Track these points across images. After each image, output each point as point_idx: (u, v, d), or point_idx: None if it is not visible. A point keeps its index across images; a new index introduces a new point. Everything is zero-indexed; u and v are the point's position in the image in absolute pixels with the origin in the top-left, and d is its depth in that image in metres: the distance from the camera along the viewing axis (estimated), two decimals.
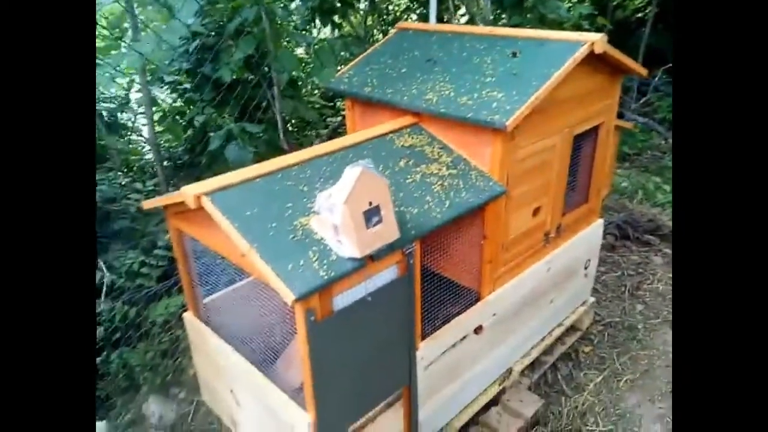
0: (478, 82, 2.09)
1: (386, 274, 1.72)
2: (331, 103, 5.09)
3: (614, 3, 6.60)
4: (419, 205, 1.82)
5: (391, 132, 2.14)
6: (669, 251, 3.76)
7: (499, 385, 2.45)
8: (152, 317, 2.97)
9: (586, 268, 2.85)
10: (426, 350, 1.98)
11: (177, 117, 4.40)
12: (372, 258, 1.58)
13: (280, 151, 2.93)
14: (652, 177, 4.69)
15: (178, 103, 4.39)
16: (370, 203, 1.52)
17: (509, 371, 2.51)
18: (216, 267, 2.22)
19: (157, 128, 4.22)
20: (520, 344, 2.54)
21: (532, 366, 2.69)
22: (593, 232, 2.80)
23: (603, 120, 2.53)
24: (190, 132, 4.19)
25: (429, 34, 2.57)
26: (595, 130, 2.52)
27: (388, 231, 1.59)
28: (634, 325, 3.08)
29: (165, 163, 4.16)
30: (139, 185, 4.12)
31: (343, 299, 1.61)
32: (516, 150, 2.04)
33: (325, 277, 1.49)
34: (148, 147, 4.44)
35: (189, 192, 1.63)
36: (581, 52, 2.05)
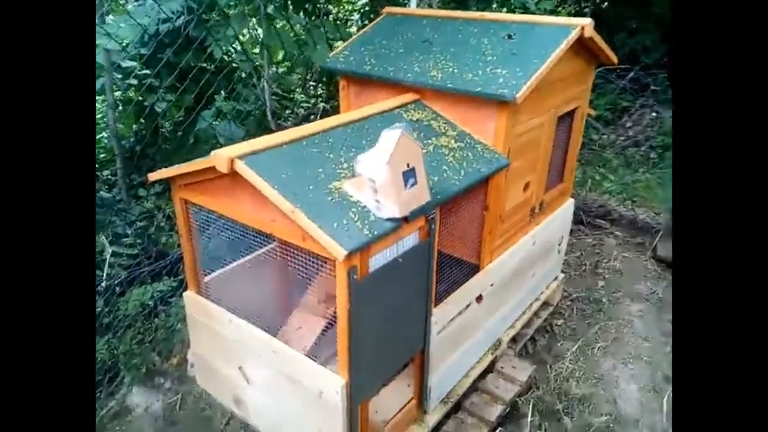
0: (480, 61, 2.20)
1: (410, 238, 1.77)
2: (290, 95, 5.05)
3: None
4: (438, 174, 1.89)
5: (396, 107, 2.20)
6: (620, 233, 4.07)
7: (492, 354, 2.57)
8: (128, 306, 2.82)
9: (559, 244, 3.05)
10: (438, 316, 2.05)
11: (127, 106, 4.19)
12: (406, 219, 1.63)
13: (268, 131, 2.89)
14: (598, 168, 5.05)
15: (131, 93, 4.19)
16: (408, 165, 1.58)
17: (499, 341, 2.63)
18: (219, 243, 2.18)
19: (104, 116, 4.00)
20: (507, 316, 2.67)
21: (514, 339, 2.83)
22: (566, 211, 3.00)
23: (579, 104, 2.73)
24: (141, 122, 4.01)
25: (418, 18, 2.65)
26: (571, 114, 2.71)
27: (421, 193, 1.65)
28: (598, 299, 3.32)
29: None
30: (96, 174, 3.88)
31: (377, 260, 1.64)
32: (516, 125, 2.16)
33: (369, 235, 1.53)
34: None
35: (223, 154, 1.60)
36: (574, 35, 2.21)
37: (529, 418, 2.38)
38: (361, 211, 1.60)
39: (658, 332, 3.02)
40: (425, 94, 2.28)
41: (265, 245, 2.45)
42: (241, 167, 1.60)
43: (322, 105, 4.39)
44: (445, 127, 2.16)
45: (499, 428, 2.30)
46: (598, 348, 2.90)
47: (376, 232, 1.54)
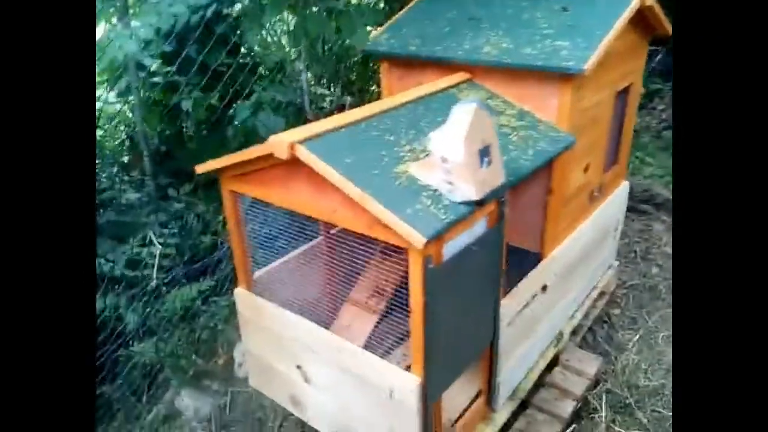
0: (536, 35, 2.07)
1: (479, 224, 1.65)
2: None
3: None
4: (504, 154, 1.76)
5: (448, 87, 2.07)
6: (667, 218, 3.90)
7: (555, 347, 2.43)
8: (171, 308, 2.74)
9: (615, 230, 2.89)
10: (506, 308, 1.92)
11: (153, 106, 4.12)
12: (481, 203, 1.51)
13: (305, 122, 2.78)
14: (636, 152, 4.87)
15: (155, 92, 4.11)
16: (483, 142, 1.45)
17: (561, 333, 2.49)
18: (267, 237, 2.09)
19: (130, 116, 3.93)
20: (568, 306, 2.53)
21: (573, 331, 2.69)
22: (622, 194, 2.85)
23: (633, 80, 2.58)
24: (165, 121, 3.93)
25: None
26: (626, 90, 2.56)
27: (496, 174, 1.53)
28: (654, 286, 3.16)
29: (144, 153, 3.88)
30: (123, 175, 3.81)
31: (450, 248, 1.52)
32: (581, 100, 2.03)
33: (446, 220, 1.41)
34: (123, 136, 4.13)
35: (284, 139, 1.49)
36: (635, 3, 2.07)
37: (603, 413, 2.24)
38: (433, 195, 1.48)
39: None
40: (477, 72, 2.15)
41: (314, 238, 2.36)
42: (303, 152, 1.49)
43: (348, 98, 4.27)
44: (503, 106, 2.03)
45: (573, 425, 2.16)
46: (662, 337, 2.75)
47: (452, 217, 1.42)
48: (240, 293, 2.09)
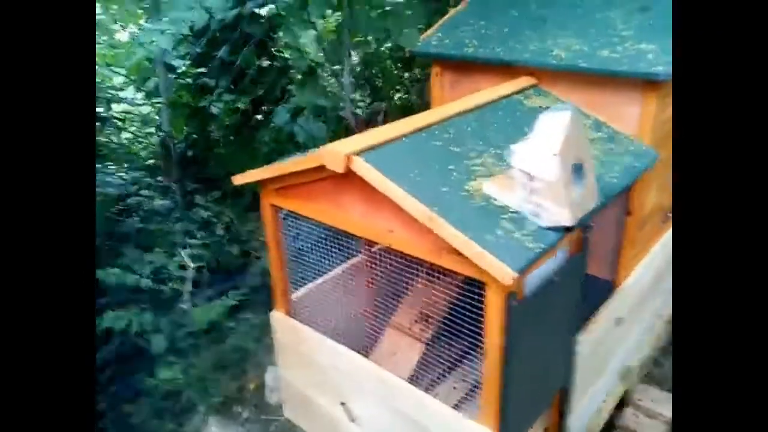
0: (613, 36, 1.83)
1: (560, 252, 1.42)
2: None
3: None
4: None
5: (513, 93, 1.85)
6: None
7: (623, 384, 2.18)
8: (196, 325, 2.56)
9: None
10: (581, 344, 1.68)
11: (182, 108, 3.97)
12: (569, 228, 1.28)
13: (347, 129, 2.59)
14: None
15: (184, 94, 3.97)
16: (577, 158, 1.23)
17: (628, 369, 2.24)
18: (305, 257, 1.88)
19: (157, 118, 3.78)
20: (639, 338, 2.28)
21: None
22: None
23: None
24: (193, 124, 3.77)
25: None
26: None
27: (590, 195, 1.30)
28: None
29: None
30: (149, 180, 3.66)
31: (530, 280, 1.29)
32: (664, 111, 1.79)
33: (535, 250, 1.18)
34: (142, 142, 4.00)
35: (339, 150, 1.28)
36: None
37: None
38: (514, 217, 1.25)
39: None
40: (542, 77, 1.93)
41: (353, 255, 2.16)
42: (361, 165, 1.28)
43: (383, 104, 4.06)
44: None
45: None
46: None
47: (542, 246, 1.19)
48: (277, 317, 1.89)
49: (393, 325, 2.25)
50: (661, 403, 2.10)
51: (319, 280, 2.02)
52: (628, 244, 1.88)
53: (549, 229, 1.24)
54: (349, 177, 1.35)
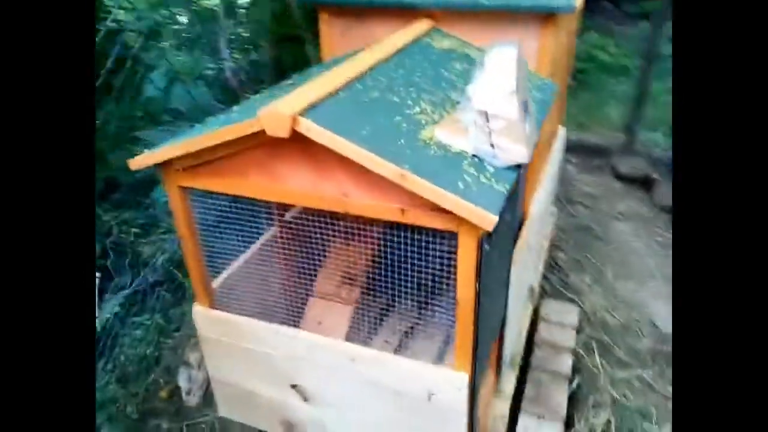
0: None
1: None
2: None
3: None
4: None
5: (418, 37, 1.80)
6: (576, 160, 4.07)
7: (531, 303, 2.38)
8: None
9: (558, 176, 2.90)
10: (511, 275, 1.78)
11: None
12: (520, 166, 1.30)
13: (230, 93, 2.30)
14: None
15: None
16: (524, 94, 1.23)
17: (532, 288, 2.45)
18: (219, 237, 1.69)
19: None
20: (536, 259, 2.49)
21: None
22: (562, 139, 2.84)
23: (577, 22, 2.52)
24: None
25: None
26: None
27: (534, 130, 1.33)
28: (587, 226, 3.27)
29: None
30: None
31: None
32: (559, 44, 1.89)
33: (504, 190, 1.18)
34: None
35: (282, 112, 1.12)
36: None
37: (596, 360, 2.25)
38: (474, 162, 1.23)
39: (658, 246, 3.05)
40: (439, 18, 1.90)
41: (268, 229, 2.00)
42: (310, 127, 1.14)
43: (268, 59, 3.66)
44: (482, 56, 1.81)
45: (576, 376, 2.14)
46: (611, 274, 2.85)
47: (507, 186, 1.20)
48: (200, 312, 1.68)
49: (317, 294, 2.17)
50: (564, 313, 2.35)
51: (237, 263, 1.84)
52: (532, 175, 2.00)
53: (507, 168, 1.25)
54: (287, 143, 1.20)
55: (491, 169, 1.23)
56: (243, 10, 2.65)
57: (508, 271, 1.67)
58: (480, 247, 1.19)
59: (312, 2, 2.03)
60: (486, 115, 1.18)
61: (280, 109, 1.13)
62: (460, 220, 1.14)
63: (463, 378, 1.36)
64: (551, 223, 2.94)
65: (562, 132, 2.81)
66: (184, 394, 2.21)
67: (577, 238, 3.17)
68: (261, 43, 2.96)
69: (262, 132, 1.18)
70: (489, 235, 1.19)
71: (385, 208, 1.23)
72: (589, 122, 4.44)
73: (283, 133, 1.14)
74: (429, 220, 1.20)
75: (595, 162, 4.00)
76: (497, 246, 1.36)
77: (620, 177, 3.77)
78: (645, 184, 3.62)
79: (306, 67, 1.95)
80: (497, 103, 1.15)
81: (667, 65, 4.26)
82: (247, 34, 3.15)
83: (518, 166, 1.27)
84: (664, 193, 3.43)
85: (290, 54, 2.90)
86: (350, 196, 1.27)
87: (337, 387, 1.58)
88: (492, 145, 1.22)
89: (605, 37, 5.50)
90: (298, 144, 1.21)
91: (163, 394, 2.20)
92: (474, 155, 1.24)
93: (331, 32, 2.07)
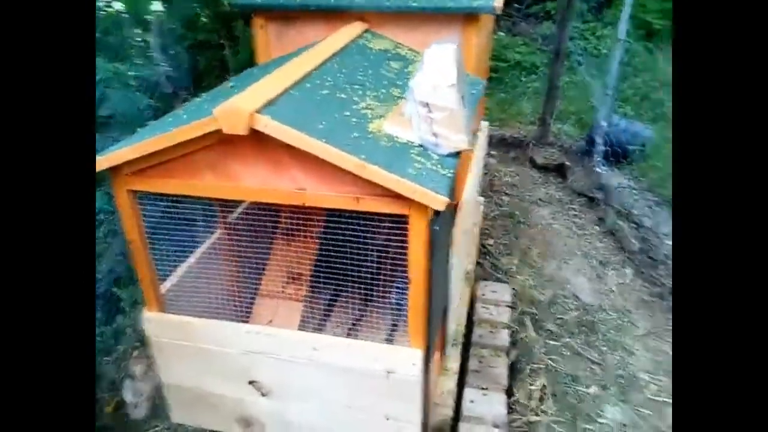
0: None
1: None
2: None
3: None
4: None
5: (354, 39, 1.89)
6: (496, 152, 4.33)
7: (467, 285, 2.54)
8: None
9: (483, 166, 3.10)
10: (453, 258, 1.91)
11: None
12: (459, 153, 1.43)
13: (167, 97, 2.25)
14: None
15: None
16: (462, 86, 1.36)
17: (467, 272, 2.61)
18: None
19: None
20: (469, 244, 2.65)
21: None
22: (484, 131, 3.03)
23: (491, 21, 2.71)
24: None
25: None
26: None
27: (471, 119, 1.45)
28: (511, 213, 3.51)
29: None
30: None
31: None
32: (480, 43, 2.05)
33: (449, 175, 1.29)
34: None
35: (242, 108, 1.17)
36: None
37: (530, 332, 2.44)
38: (420, 151, 1.34)
39: (575, 227, 3.33)
40: (372, 21, 2.00)
41: (213, 230, 2.00)
42: (269, 124, 1.20)
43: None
44: (413, 56, 1.94)
45: (514, 350, 2.31)
46: (536, 255, 3.09)
47: (451, 171, 1.31)
48: (151, 317, 1.66)
49: (264, 293, 2.19)
50: (498, 292, 2.53)
51: (185, 265, 1.84)
52: (463, 165, 2.15)
53: (448, 156, 1.37)
54: (241, 141, 1.25)
55: (435, 157, 1.34)
56: (152, 17, 2.59)
57: (448, 254, 1.80)
58: (430, 227, 1.30)
59: (246, 7, 2.06)
60: (428, 107, 1.29)
61: (238, 106, 1.18)
62: (411, 203, 1.24)
63: (418, 354, 1.47)
64: (480, 211, 3.13)
65: (484, 125, 3.01)
66: (131, 409, 2.15)
67: (504, 225, 3.40)
68: (178, 50, 2.92)
69: (218, 131, 1.21)
70: (437, 216, 1.30)
71: (341, 198, 1.31)
72: (506, 118, 4.73)
73: (242, 130, 1.19)
74: (382, 205, 1.29)
75: (513, 154, 4.27)
76: (442, 228, 1.47)
77: (537, 166, 4.06)
78: (559, 171, 3.94)
79: (224, 72, 1.97)
80: (438, 94, 1.27)
81: (571, 61, 4.65)
82: (160, 40, 3.09)
83: (458, 154, 1.40)
84: (577, 178, 3.75)
85: (205, 59, 2.89)
86: (307, 190, 1.33)
87: (298, 378, 1.63)
88: (435, 135, 1.34)
89: (514, 37, 5.88)
90: (252, 141, 1.26)
91: (109, 409, 2.14)
92: (419, 145, 1.35)
93: (266, 36, 2.10)
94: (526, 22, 5.98)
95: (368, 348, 1.52)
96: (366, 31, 1.98)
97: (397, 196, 1.24)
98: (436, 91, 1.27)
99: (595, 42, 5.62)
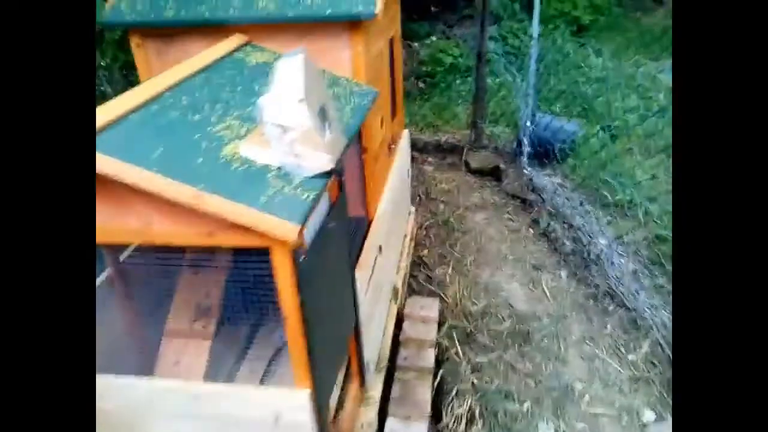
0: None
1: (323, 199, 1.45)
2: None
3: None
4: None
5: (232, 52, 1.76)
6: (432, 159, 4.25)
7: (395, 303, 2.42)
8: None
9: (408, 177, 3.00)
10: (359, 281, 1.79)
11: None
12: (332, 172, 1.30)
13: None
14: None
15: None
16: (319, 100, 1.24)
17: (395, 288, 2.49)
18: None
19: None
20: (394, 260, 2.54)
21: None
22: (406, 141, 2.94)
23: (396, 29, 2.63)
24: None
25: None
26: (392, 37, 2.60)
27: (339, 136, 1.33)
28: (446, 221, 3.42)
29: None
30: None
31: (308, 232, 1.29)
32: (370, 51, 1.94)
33: (309, 199, 1.17)
34: None
35: None
36: None
37: (457, 349, 2.33)
38: (279, 174, 1.21)
39: (507, 230, 3.26)
40: (253, 32, 1.88)
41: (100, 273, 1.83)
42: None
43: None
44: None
45: (441, 370, 2.19)
46: (470, 263, 3.00)
47: (313, 194, 1.19)
48: None
49: (169, 333, 2.02)
50: (425, 308, 2.42)
51: None
52: (370, 178, 2.04)
53: (313, 177, 1.24)
54: None
55: (299, 180, 1.22)
56: None
57: (351, 276, 1.67)
58: (295, 259, 1.17)
59: (119, 26, 1.90)
60: (282, 127, 1.17)
61: None
62: (269, 234, 1.11)
63: (305, 394, 1.33)
64: (409, 221, 3.03)
65: (405, 133, 2.92)
66: None
67: (439, 233, 3.30)
68: None
69: None
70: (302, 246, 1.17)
71: (192, 233, 1.17)
72: (440, 123, 4.66)
73: None
74: (238, 239, 1.15)
75: (450, 160, 4.20)
76: (321, 255, 1.35)
77: (473, 171, 4.00)
78: (494, 174, 3.88)
79: (103, 99, 1.82)
80: (287, 113, 1.14)
81: (492, 63, 4.61)
82: None
83: (328, 173, 1.27)
84: (511, 180, 3.70)
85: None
86: (155, 226, 1.19)
87: (184, 429, 1.47)
88: (296, 155, 1.21)
89: (448, 40, 5.85)
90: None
91: None
92: (279, 167, 1.22)
93: (146, 55, 1.95)
94: (458, 26, 5.97)
95: (252, 393, 1.38)
96: (248, 43, 1.85)
97: (252, 228, 1.11)
98: (284, 110, 1.14)
99: (527, 41, 5.64)
